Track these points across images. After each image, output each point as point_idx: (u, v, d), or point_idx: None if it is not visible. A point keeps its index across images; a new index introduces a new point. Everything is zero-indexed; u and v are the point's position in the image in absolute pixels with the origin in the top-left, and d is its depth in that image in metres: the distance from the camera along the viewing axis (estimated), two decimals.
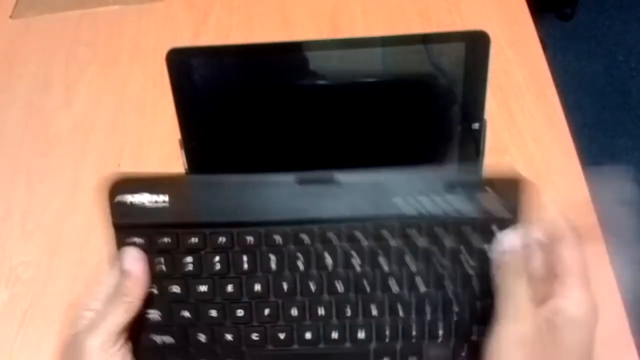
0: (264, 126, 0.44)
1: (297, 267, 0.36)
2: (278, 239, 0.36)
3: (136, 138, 0.61)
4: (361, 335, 0.36)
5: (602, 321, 0.46)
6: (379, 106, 0.43)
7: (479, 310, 0.36)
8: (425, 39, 0.41)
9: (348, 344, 0.36)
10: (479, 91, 0.42)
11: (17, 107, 0.65)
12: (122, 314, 0.33)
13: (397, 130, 0.44)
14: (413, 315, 0.36)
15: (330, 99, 0.43)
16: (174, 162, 0.57)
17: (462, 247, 0.35)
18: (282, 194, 0.36)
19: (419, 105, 0.43)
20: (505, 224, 0.35)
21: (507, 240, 0.34)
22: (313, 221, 0.36)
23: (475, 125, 0.43)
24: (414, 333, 0.36)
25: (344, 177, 0.35)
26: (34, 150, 0.62)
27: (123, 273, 0.34)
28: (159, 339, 0.36)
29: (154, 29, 0.71)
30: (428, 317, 0.36)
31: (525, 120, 0.58)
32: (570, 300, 0.33)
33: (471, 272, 0.35)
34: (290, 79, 0.43)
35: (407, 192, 0.35)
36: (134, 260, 0.35)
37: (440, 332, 0.36)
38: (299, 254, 0.36)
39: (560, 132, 0.57)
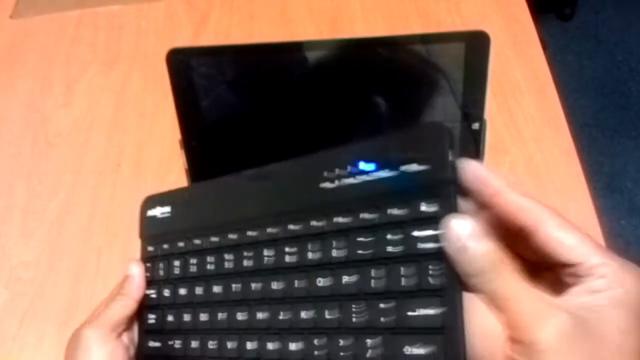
0: (264, 125, 0.44)
1: (246, 267, 0.33)
2: (234, 238, 0.34)
3: (136, 138, 0.61)
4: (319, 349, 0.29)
5: None
6: (379, 106, 0.43)
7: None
8: (425, 39, 0.41)
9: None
10: (479, 91, 0.42)
11: (17, 107, 0.65)
12: (117, 310, 0.37)
13: (397, 130, 0.44)
14: (365, 312, 0.28)
15: (330, 99, 0.43)
16: (174, 162, 0.57)
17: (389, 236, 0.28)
18: (238, 192, 0.34)
19: (419, 105, 0.43)
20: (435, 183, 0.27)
21: (460, 229, 0.25)
22: (263, 217, 0.33)
23: (475, 125, 0.43)
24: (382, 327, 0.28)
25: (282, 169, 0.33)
26: (34, 150, 0.62)
27: (124, 278, 0.39)
28: (154, 344, 0.37)
29: (154, 29, 0.70)
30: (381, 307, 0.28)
31: (525, 120, 0.58)
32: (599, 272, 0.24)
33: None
34: (289, 78, 0.43)
35: (335, 175, 0.31)
36: (133, 267, 0.39)
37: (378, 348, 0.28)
38: (250, 254, 0.33)
39: (560, 132, 0.57)
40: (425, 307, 0.25)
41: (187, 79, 0.42)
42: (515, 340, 0.24)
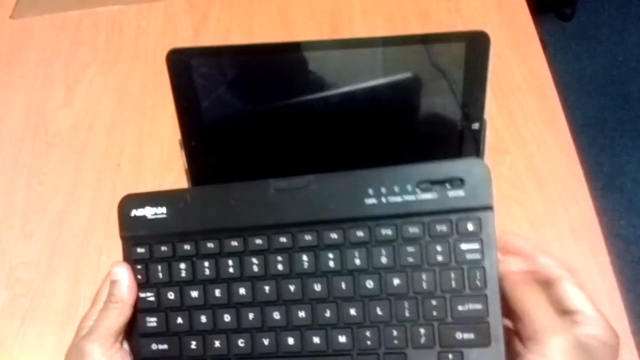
0: (264, 126, 0.44)
1: (279, 271, 0.36)
2: (260, 243, 0.37)
3: (136, 138, 0.61)
4: (342, 340, 0.35)
5: None
6: (379, 107, 0.43)
7: (462, 314, 0.34)
8: (425, 39, 0.41)
9: (330, 352, 0.35)
10: (479, 91, 0.42)
11: (17, 107, 0.65)
12: (114, 319, 0.36)
13: (397, 130, 0.44)
14: (393, 320, 0.35)
15: (329, 99, 0.43)
16: (174, 162, 0.58)
17: (438, 247, 0.35)
18: (263, 200, 0.37)
19: (419, 105, 0.43)
20: (479, 213, 0.35)
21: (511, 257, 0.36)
22: (293, 225, 0.36)
23: (475, 125, 0.43)
24: (395, 340, 0.34)
25: (317, 181, 0.36)
26: (34, 150, 0.62)
27: (112, 283, 0.38)
28: (155, 347, 0.37)
29: (154, 29, 0.70)
30: (408, 321, 0.34)
31: (525, 120, 0.58)
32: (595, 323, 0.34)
33: (452, 274, 0.34)
34: (289, 79, 0.43)
35: (380, 192, 0.36)
36: (120, 271, 0.38)
37: (423, 339, 0.34)
38: (280, 258, 0.36)
39: (560, 132, 0.57)
40: (472, 302, 0.34)
41: (187, 79, 0.42)
42: (529, 338, 0.32)
